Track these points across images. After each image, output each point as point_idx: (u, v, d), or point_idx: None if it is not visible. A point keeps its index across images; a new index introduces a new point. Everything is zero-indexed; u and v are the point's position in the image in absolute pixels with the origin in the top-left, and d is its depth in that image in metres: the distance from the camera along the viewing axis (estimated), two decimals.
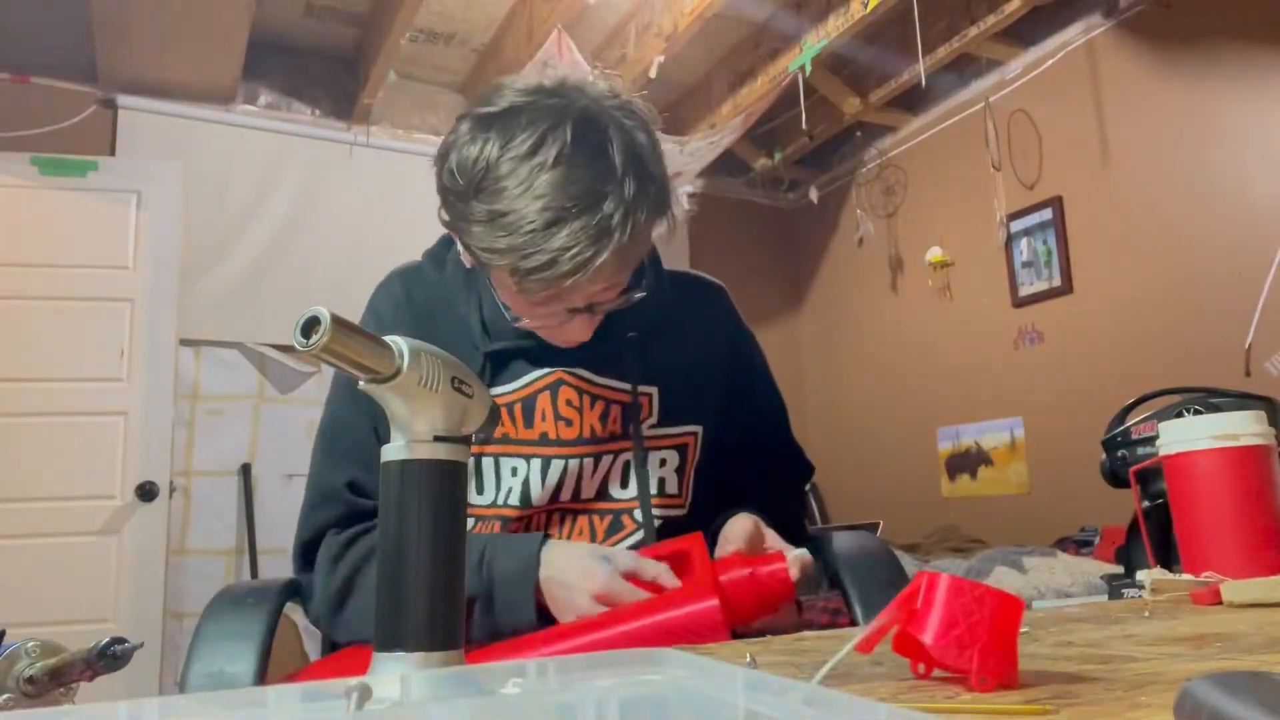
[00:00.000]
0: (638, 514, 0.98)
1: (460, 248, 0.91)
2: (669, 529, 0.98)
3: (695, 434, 1.03)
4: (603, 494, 0.98)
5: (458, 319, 0.98)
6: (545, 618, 0.88)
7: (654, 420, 1.00)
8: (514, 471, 0.96)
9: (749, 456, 1.10)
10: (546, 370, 0.97)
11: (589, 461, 0.97)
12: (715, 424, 1.05)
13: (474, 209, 0.82)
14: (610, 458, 0.98)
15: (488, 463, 0.97)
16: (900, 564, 1.12)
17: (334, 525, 0.98)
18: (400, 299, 1.01)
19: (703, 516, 1.01)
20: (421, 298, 1.01)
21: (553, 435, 0.96)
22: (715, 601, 0.79)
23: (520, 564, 0.89)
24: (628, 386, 1.00)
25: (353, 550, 0.96)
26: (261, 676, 0.90)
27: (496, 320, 0.96)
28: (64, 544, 3.01)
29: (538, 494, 0.96)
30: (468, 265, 0.94)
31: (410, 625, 0.50)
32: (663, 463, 1.00)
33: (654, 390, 1.01)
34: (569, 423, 0.97)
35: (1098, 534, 3.01)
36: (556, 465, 0.96)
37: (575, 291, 0.84)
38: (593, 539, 0.97)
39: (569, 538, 0.97)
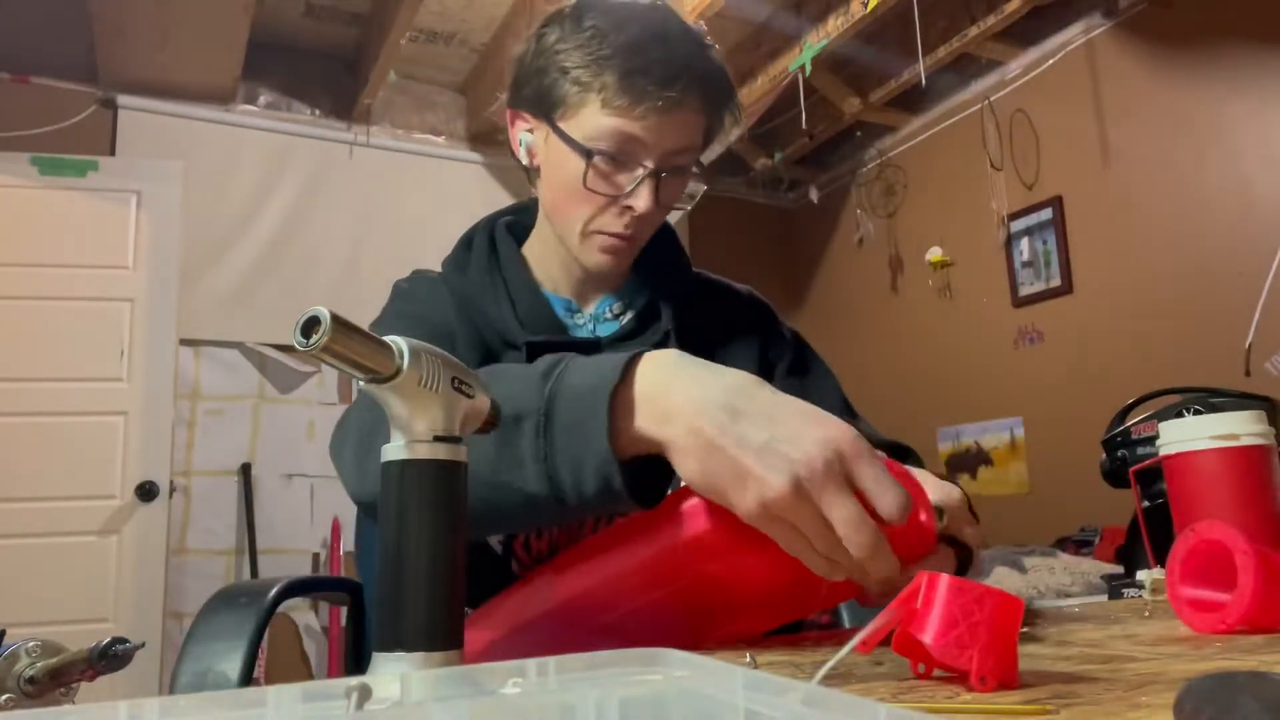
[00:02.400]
0: None
1: (522, 136, 0.97)
2: None
3: None
4: None
5: (489, 318, 0.96)
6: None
7: None
8: None
9: None
10: None
11: None
12: None
13: (575, 30, 0.89)
14: None
15: None
16: None
17: None
18: (442, 291, 0.99)
19: None
20: (459, 293, 0.99)
21: None
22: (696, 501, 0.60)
23: (598, 380, 0.62)
24: None
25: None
26: (249, 676, 0.89)
27: (532, 312, 0.96)
28: (64, 544, 3.02)
29: None
30: (526, 159, 0.97)
31: (410, 625, 0.50)
32: None
33: None
34: None
35: (1098, 534, 3.01)
36: None
37: (656, 135, 0.88)
38: None
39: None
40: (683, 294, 1.03)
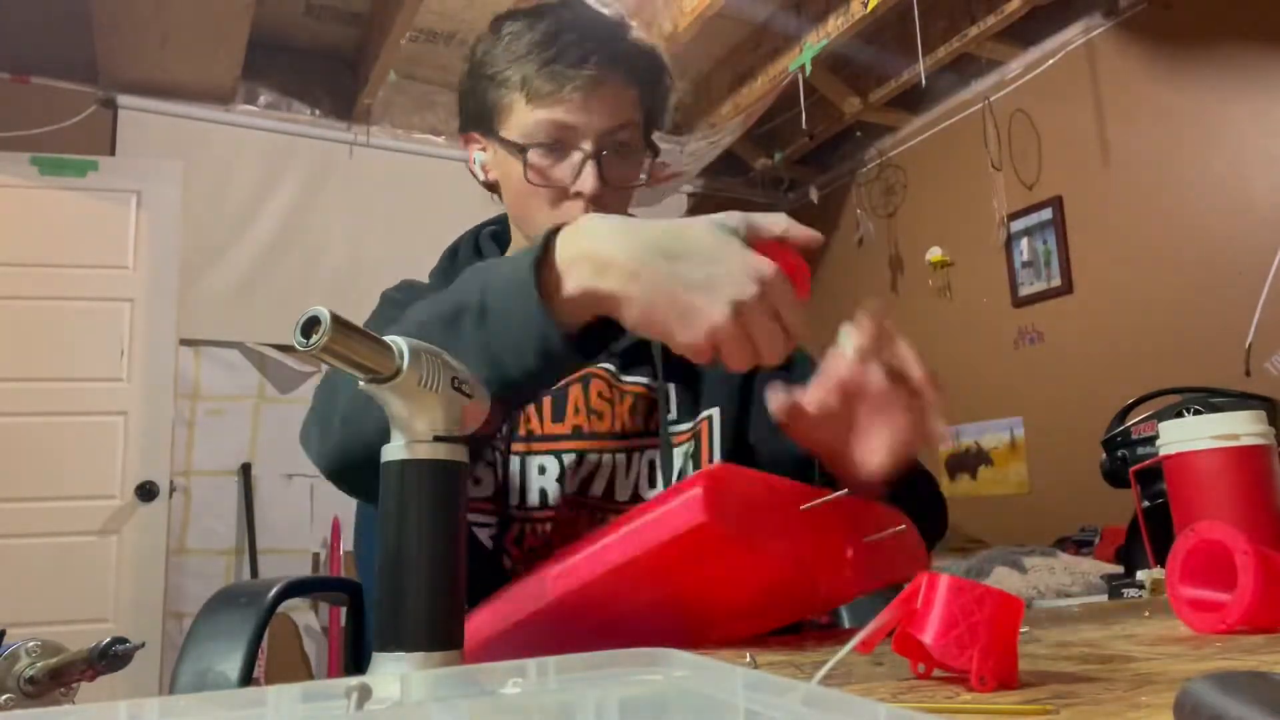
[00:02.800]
0: None
1: (476, 156, 0.99)
2: None
3: (710, 417, 0.99)
4: (636, 497, 0.95)
5: None
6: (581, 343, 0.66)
7: (674, 416, 0.98)
8: (541, 470, 0.93)
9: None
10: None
11: (621, 457, 0.95)
12: (735, 401, 0.99)
13: (495, 40, 0.92)
14: (638, 455, 0.96)
15: (514, 462, 0.93)
16: None
17: None
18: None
19: None
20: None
21: (585, 429, 0.94)
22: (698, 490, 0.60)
23: (524, 260, 0.66)
24: (649, 382, 0.98)
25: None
26: (249, 676, 0.89)
27: None
28: (64, 544, 3.02)
29: (570, 487, 0.92)
30: (483, 177, 0.99)
31: (410, 625, 0.50)
32: (686, 455, 0.97)
33: (671, 386, 0.99)
34: (600, 415, 0.95)
35: (1098, 534, 3.01)
36: (590, 459, 0.93)
37: (584, 116, 0.89)
38: None
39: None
40: None
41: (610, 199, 0.92)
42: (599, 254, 0.65)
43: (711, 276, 0.63)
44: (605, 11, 0.96)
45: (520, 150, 0.89)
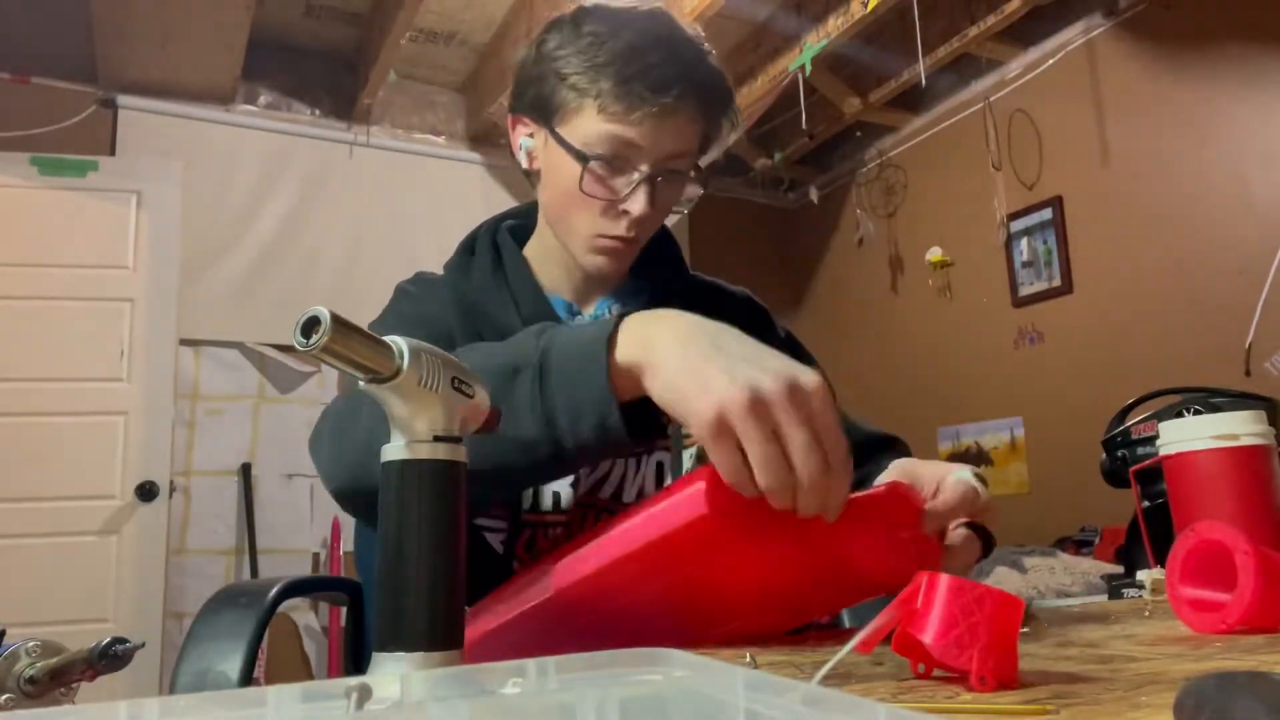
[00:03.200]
0: None
1: (523, 141, 0.98)
2: None
3: None
4: (644, 498, 0.95)
5: (494, 320, 0.96)
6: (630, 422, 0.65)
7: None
8: None
9: None
10: None
11: (630, 460, 0.95)
12: None
13: (574, 37, 0.90)
14: (647, 456, 0.96)
15: None
16: None
17: None
18: (444, 294, 0.99)
19: None
20: (463, 296, 0.99)
21: None
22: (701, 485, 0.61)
23: (595, 331, 0.67)
24: None
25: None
26: (249, 676, 0.89)
27: (535, 314, 0.96)
28: (64, 544, 3.02)
29: (582, 490, 0.92)
30: (526, 163, 0.99)
31: (410, 625, 0.50)
32: (689, 457, 0.98)
33: None
34: None
35: (1098, 534, 3.01)
36: (602, 463, 0.93)
37: (651, 140, 0.89)
38: None
39: None
40: (680, 296, 1.04)
41: (653, 218, 0.94)
42: (653, 330, 0.65)
43: (742, 361, 0.60)
44: (688, 32, 0.94)
45: (583, 159, 0.90)
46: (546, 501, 0.92)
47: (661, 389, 0.62)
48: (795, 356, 1.08)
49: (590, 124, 0.89)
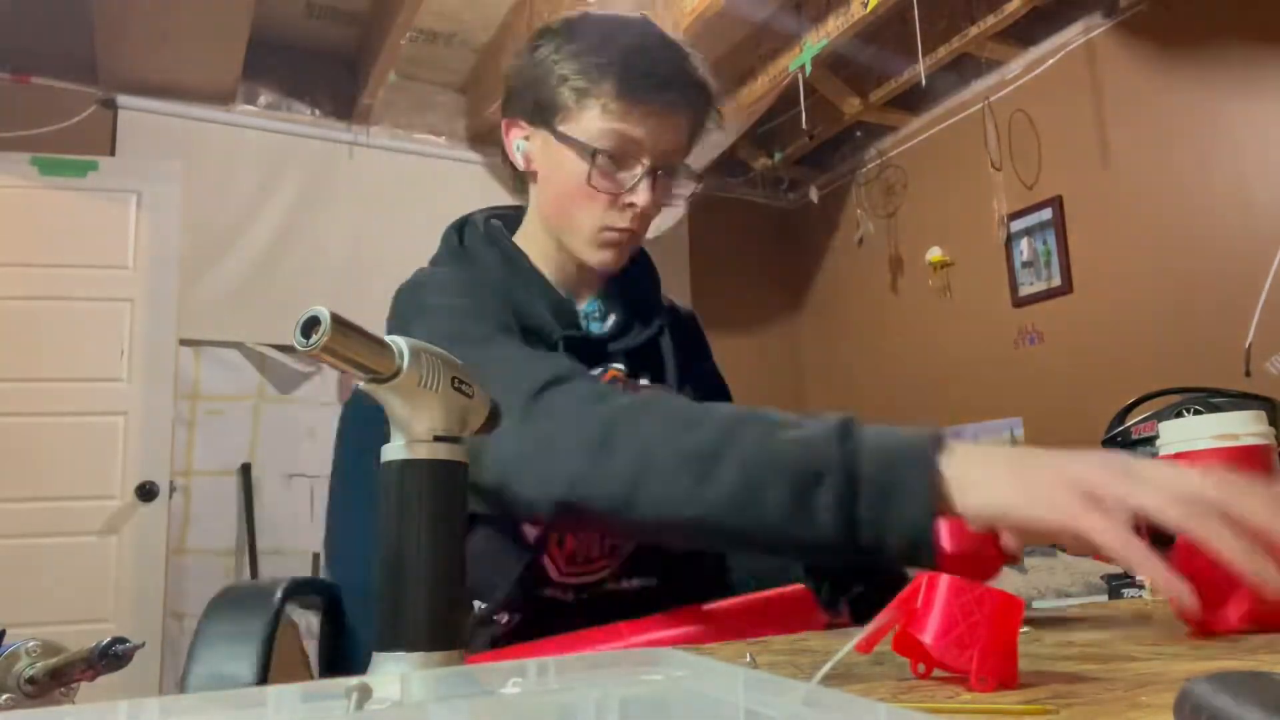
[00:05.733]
0: None
1: (518, 144, 1.02)
2: None
3: None
4: None
5: (522, 307, 0.96)
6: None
7: None
8: None
9: None
10: (601, 369, 0.99)
11: None
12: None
13: (569, 42, 0.95)
14: None
15: None
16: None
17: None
18: (480, 278, 0.98)
19: None
20: (490, 282, 0.98)
21: None
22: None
23: (919, 439, 0.65)
24: (660, 385, 1.02)
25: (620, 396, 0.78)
26: (263, 677, 0.89)
27: (557, 306, 0.99)
28: (64, 544, 3.01)
29: None
30: (522, 164, 1.02)
31: (410, 625, 0.50)
32: None
33: (645, 382, 1.02)
34: None
35: None
36: None
37: (653, 136, 0.94)
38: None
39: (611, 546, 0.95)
40: (655, 304, 1.10)
41: (652, 211, 0.99)
42: (970, 453, 0.64)
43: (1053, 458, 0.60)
44: (673, 38, 1.01)
45: (590, 154, 0.94)
46: None
47: (1010, 496, 0.59)
48: (715, 387, 1.15)
49: (595, 122, 0.94)
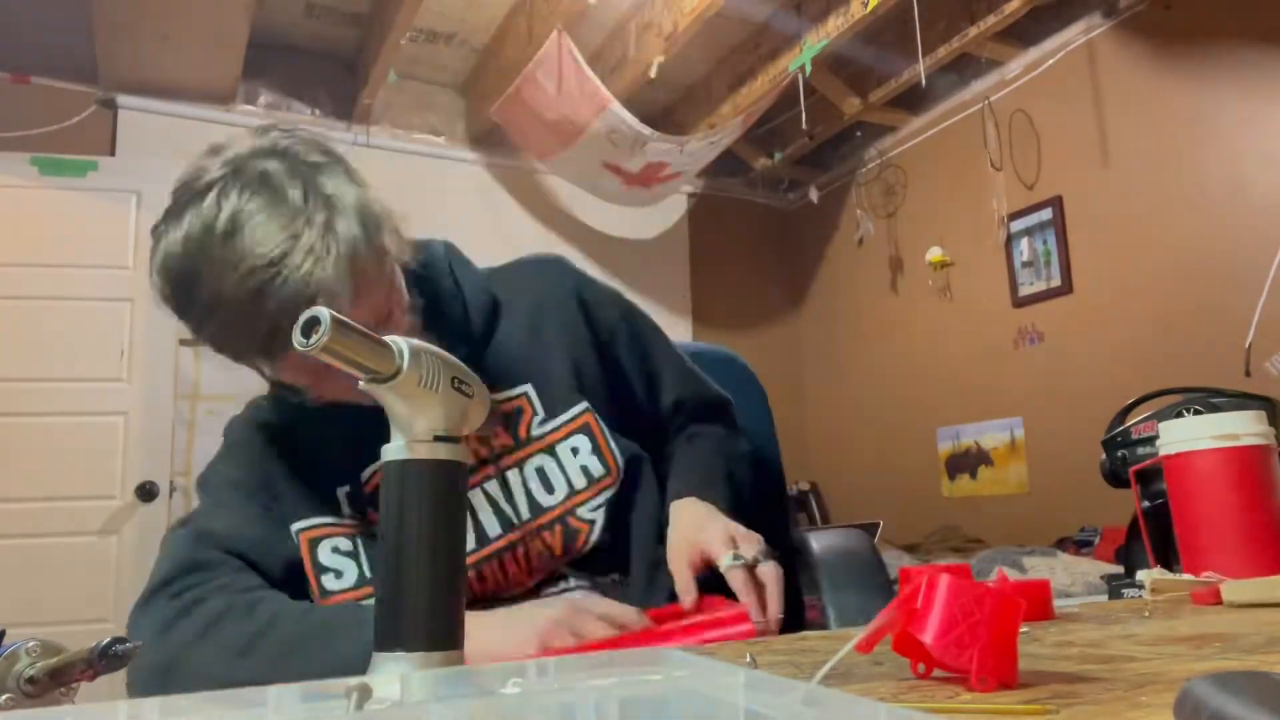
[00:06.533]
0: (581, 511, 0.95)
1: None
2: (614, 509, 0.96)
3: (588, 409, 0.98)
4: (536, 508, 0.94)
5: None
6: None
7: (542, 416, 0.97)
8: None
9: (655, 403, 1.07)
10: (517, 392, 0.97)
11: (494, 484, 0.95)
12: (604, 395, 1.01)
13: (191, 304, 0.84)
14: (518, 469, 0.95)
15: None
16: (881, 564, 1.11)
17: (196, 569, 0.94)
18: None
19: (633, 481, 0.99)
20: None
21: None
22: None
23: None
24: (512, 393, 0.97)
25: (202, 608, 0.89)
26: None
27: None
28: (64, 544, 3.01)
29: (493, 530, 0.94)
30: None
31: (410, 625, 0.50)
32: (575, 451, 0.96)
33: (528, 388, 0.98)
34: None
35: (1098, 534, 3.01)
36: (479, 492, 0.94)
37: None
38: (553, 556, 0.94)
39: (530, 564, 0.94)
40: (463, 318, 1.02)
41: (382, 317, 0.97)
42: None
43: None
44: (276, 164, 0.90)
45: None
46: (470, 543, 0.93)
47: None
48: (613, 322, 1.08)
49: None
